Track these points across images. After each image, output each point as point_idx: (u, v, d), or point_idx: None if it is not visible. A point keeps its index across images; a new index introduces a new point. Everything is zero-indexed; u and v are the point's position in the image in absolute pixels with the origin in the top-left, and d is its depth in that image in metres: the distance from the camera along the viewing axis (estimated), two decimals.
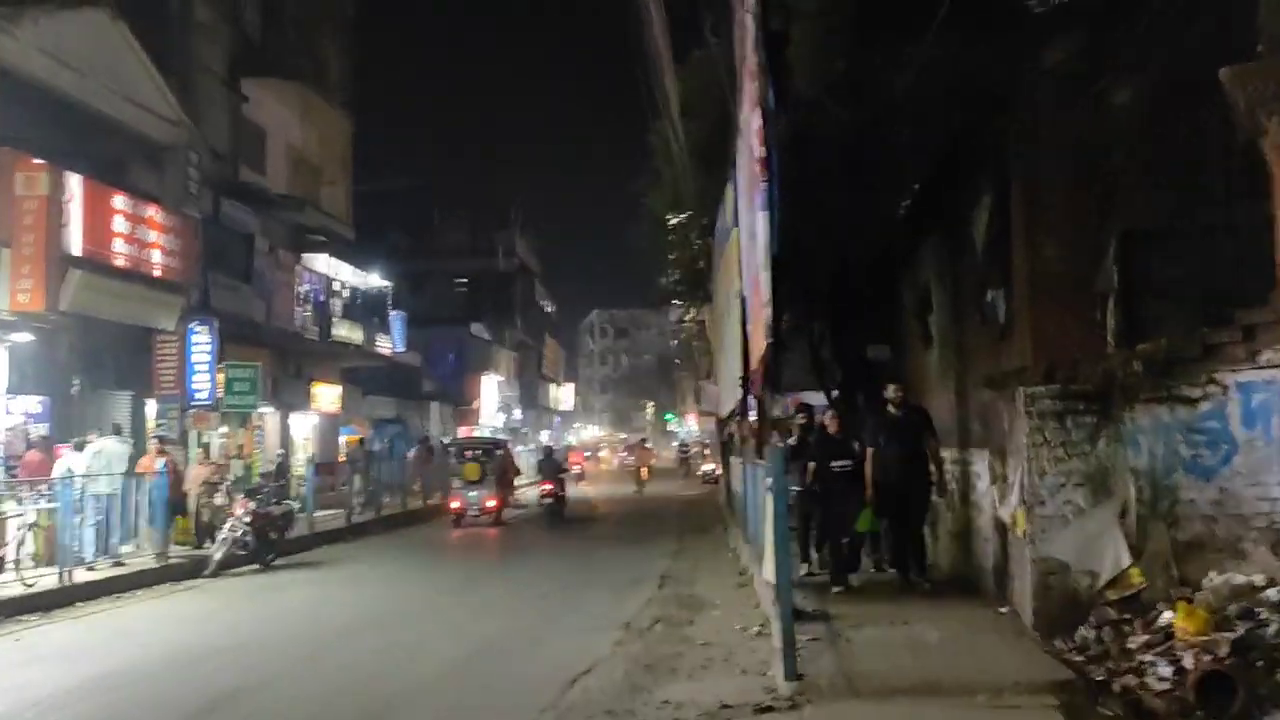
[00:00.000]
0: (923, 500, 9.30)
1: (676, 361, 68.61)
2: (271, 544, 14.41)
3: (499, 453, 23.26)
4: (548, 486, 22.96)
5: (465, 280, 46.54)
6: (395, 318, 31.23)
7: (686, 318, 44.37)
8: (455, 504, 21.77)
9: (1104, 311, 7.99)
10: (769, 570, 9.93)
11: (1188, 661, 5.92)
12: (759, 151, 7.45)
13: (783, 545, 6.64)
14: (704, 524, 20.44)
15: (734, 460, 17.84)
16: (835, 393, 19.70)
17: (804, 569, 10.18)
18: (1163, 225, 7.76)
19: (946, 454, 9.95)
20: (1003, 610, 7.99)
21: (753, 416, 11.86)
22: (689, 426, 61.40)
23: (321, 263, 27.10)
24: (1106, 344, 7.98)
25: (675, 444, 55.61)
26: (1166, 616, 6.53)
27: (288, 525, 15.11)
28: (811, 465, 9.62)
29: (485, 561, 16.29)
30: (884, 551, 9.86)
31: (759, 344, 8.63)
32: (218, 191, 21.50)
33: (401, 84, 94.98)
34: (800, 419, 10.95)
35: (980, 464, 8.93)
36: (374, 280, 31.19)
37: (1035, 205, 8.46)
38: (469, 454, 22.63)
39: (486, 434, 36.82)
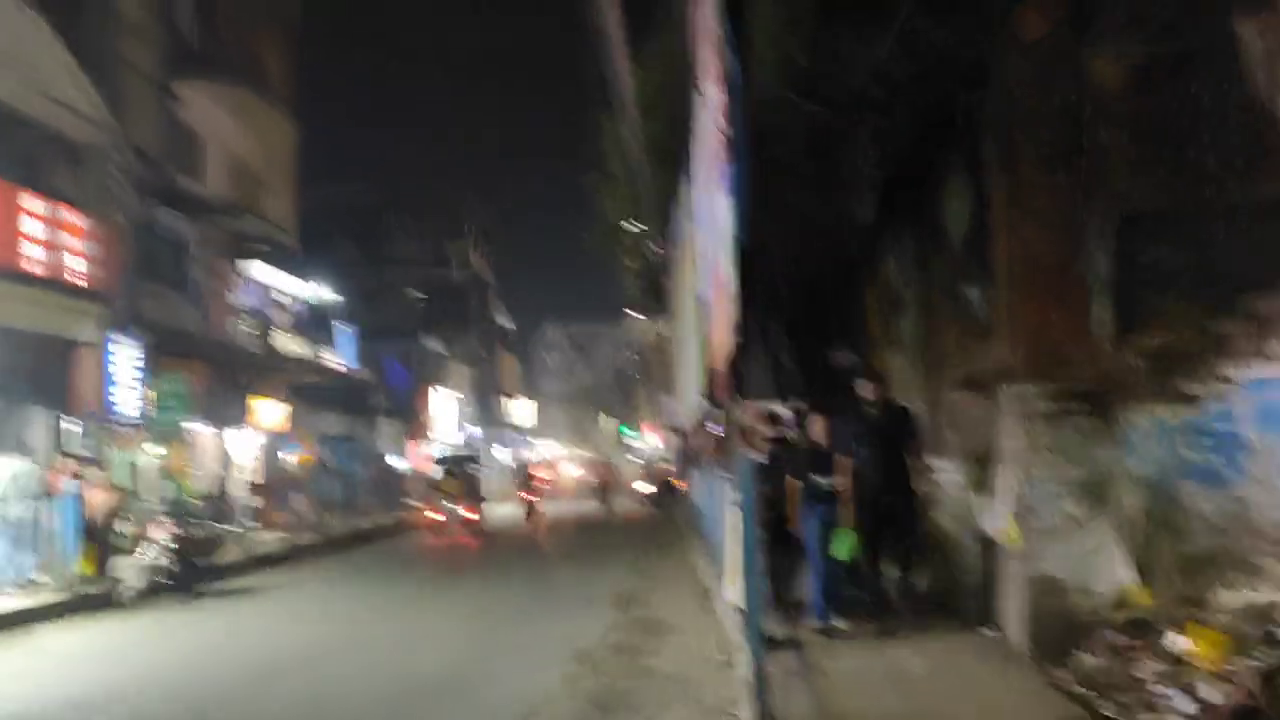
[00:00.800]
0: (909, 516, 7.88)
1: (635, 376, 67.85)
2: (199, 571, 13.38)
3: (475, 466, 26.21)
4: (524, 494, 27.20)
5: (421, 294, 45.38)
6: (344, 331, 30.15)
7: (645, 332, 43.61)
8: (438, 515, 23.40)
9: (1094, 303, 7.33)
10: (735, 593, 9.18)
11: (1208, 694, 5.23)
12: (724, 129, 6.70)
13: (752, 568, 5.80)
14: (666, 540, 19.65)
15: (696, 475, 17.05)
16: (798, 402, 19.06)
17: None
18: (1159, 206, 7.11)
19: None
20: (989, 633, 7.27)
21: (715, 426, 11.03)
22: (648, 440, 60.56)
23: (263, 273, 26.02)
24: (1098, 339, 7.33)
25: (635, 459, 54.52)
26: (1177, 641, 5.85)
27: (214, 550, 14.05)
28: (796, 485, 8.02)
29: (430, 584, 15.31)
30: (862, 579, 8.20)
31: (722, 344, 7.85)
32: (149, 197, 20.40)
33: (350, 90, 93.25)
34: (770, 433, 9.30)
35: (957, 472, 8.22)
36: (322, 292, 30.13)
37: (1016, 189, 7.80)
38: (451, 469, 24.80)
39: (448, 450, 36.04)
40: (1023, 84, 7.81)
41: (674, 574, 14.18)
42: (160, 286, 19.88)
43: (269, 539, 19.30)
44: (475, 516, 23.22)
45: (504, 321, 60.91)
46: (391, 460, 33.20)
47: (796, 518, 8.23)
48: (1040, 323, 7.53)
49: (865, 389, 7.95)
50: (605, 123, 17.99)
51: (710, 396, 11.82)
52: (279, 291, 27.35)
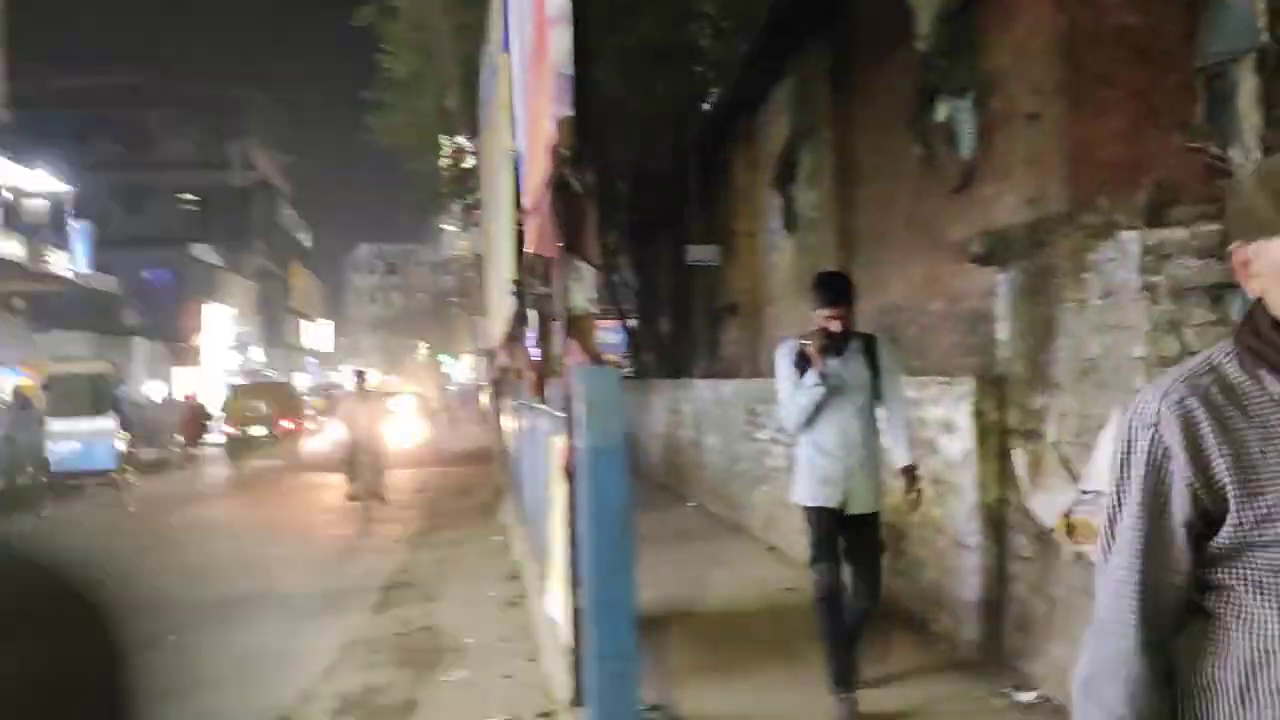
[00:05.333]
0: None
1: (453, 301, 63.23)
2: None
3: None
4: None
5: (193, 197, 39.29)
6: (76, 230, 24.52)
7: (458, 246, 39.19)
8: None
9: (1224, 96, 4.07)
10: (556, 605, 5.66)
11: None
12: None
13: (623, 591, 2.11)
14: (470, 486, 15.97)
15: (507, 406, 13.34)
16: (633, 321, 15.81)
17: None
18: None
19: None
20: (1024, 698, 4.03)
21: (530, 334, 7.36)
22: (462, 367, 56.37)
23: None
24: (1225, 160, 4.09)
25: (453, 388, 49.97)
26: None
27: None
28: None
29: (121, 557, 10.67)
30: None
31: (546, 147, 4.13)
32: None
33: None
34: (830, 323, 4.12)
35: (945, 405, 4.89)
36: (47, 182, 24.34)
37: None
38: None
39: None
40: None
41: (474, 538, 10.51)
42: None
43: None
44: None
45: (300, 236, 54.85)
46: (147, 388, 27.92)
47: None
48: (1121, 137, 4.23)
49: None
50: None
51: (522, 293, 8.12)
52: None
